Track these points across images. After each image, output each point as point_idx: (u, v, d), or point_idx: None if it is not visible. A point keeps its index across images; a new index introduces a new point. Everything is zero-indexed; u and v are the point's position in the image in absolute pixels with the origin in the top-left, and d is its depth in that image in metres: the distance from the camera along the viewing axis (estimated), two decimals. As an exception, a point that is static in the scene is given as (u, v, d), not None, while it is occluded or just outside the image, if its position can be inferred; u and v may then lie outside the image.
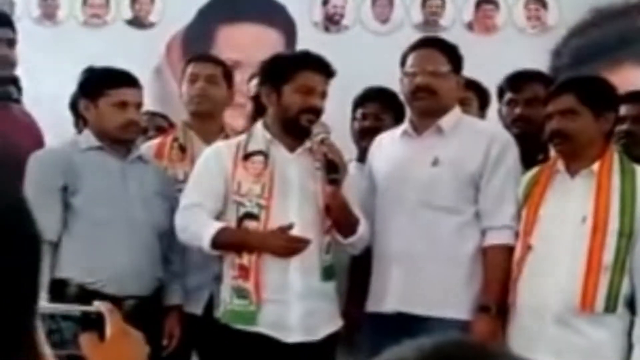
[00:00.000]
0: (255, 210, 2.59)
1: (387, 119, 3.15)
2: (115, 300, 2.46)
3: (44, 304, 1.24)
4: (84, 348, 1.17)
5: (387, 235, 2.73)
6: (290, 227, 2.57)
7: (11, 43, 2.75)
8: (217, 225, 2.60)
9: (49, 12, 4.68)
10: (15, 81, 3.48)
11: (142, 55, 4.25)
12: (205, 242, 2.58)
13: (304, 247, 2.57)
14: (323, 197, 2.62)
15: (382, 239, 2.75)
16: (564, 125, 2.57)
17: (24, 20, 4.44)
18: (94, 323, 1.17)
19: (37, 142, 2.86)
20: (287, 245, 2.57)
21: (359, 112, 3.17)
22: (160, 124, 3.45)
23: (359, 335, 2.85)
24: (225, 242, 2.60)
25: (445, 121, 2.74)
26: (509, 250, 2.65)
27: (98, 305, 1.19)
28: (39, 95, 3.63)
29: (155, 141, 3.07)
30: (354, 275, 2.90)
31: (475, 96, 3.18)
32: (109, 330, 1.17)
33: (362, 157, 3.04)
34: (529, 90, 3.09)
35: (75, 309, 1.21)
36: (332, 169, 2.55)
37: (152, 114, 3.44)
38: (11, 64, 2.76)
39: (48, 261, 2.60)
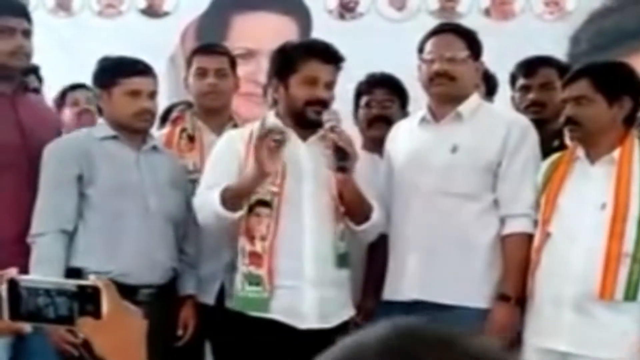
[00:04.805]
0: (267, 197, 2.57)
1: (394, 106, 3.12)
2: (131, 290, 2.51)
3: (39, 278, 1.23)
4: (83, 331, 1.16)
5: (404, 222, 2.71)
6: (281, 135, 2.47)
7: (27, 34, 2.72)
8: (221, 186, 2.55)
9: (63, 3, 4.69)
10: (35, 71, 3.48)
11: (157, 44, 4.25)
12: (217, 205, 2.52)
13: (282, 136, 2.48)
14: (336, 184, 2.60)
15: (399, 227, 2.73)
16: (576, 112, 2.55)
17: (39, 11, 4.45)
18: (90, 298, 1.15)
19: (55, 132, 2.85)
20: (270, 143, 2.44)
21: (364, 99, 3.14)
22: None
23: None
24: (230, 194, 2.52)
25: (464, 107, 2.71)
26: (528, 238, 2.63)
27: (94, 280, 1.17)
28: (55, 86, 3.63)
29: (164, 131, 3.07)
30: (370, 264, 2.89)
31: (482, 83, 3.15)
32: (105, 305, 1.15)
33: (368, 146, 3.01)
34: (542, 75, 3.09)
35: (71, 283, 1.19)
36: (341, 157, 2.53)
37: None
38: (26, 54, 2.74)
39: (64, 250, 2.61)
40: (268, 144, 2.46)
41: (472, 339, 0.62)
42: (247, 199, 2.56)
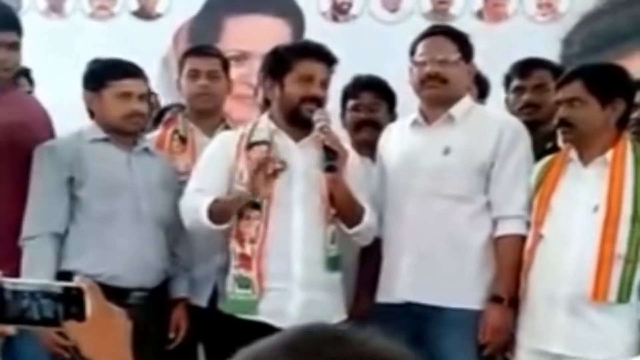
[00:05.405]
0: (257, 199, 2.57)
1: (382, 109, 3.11)
2: (122, 292, 2.50)
3: (24, 280, 1.23)
4: (68, 334, 1.16)
5: (397, 225, 2.71)
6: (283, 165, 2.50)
7: (13, 46, 2.64)
8: (211, 197, 2.57)
9: (55, 5, 4.69)
10: (27, 73, 3.46)
11: (149, 46, 4.25)
12: (203, 216, 2.54)
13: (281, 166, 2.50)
14: (326, 185, 2.60)
15: (392, 229, 2.72)
16: (569, 113, 2.55)
17: (32, 13, 4.44)
18: (74, 300, 1.15)
19: (46, 131, 2.82)
20: (268, 171, 2.47)
21: (351, 103, 3.12)
22: None
23: (370, 326, 2.83)
24: (219, 209, 2.54)
25: (456, 110, 2.71)
26: (521, 240, 2.63)
27: (78, 282, 1.17)
28: (47, 88, 3.62)
29: (156, 133, 3.06)
30: (363, 267, 2.88)
31: (474, 85, 3.15)
32: (89, 307, 1.15)
33: (356, 149, 2.99)
34: (536, 76, 3.11)
35: (56, 285, 1.20)
36: (330, 156, 2.53)
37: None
38: (7, 69, 2.67)
39: (55, 253, 2.60)
40: (267, 171, 2.47)
41: (371, 339, 0.66)
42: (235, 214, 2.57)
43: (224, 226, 2.58)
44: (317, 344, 0.64)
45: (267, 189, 2.51)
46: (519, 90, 3.14)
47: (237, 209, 2.56)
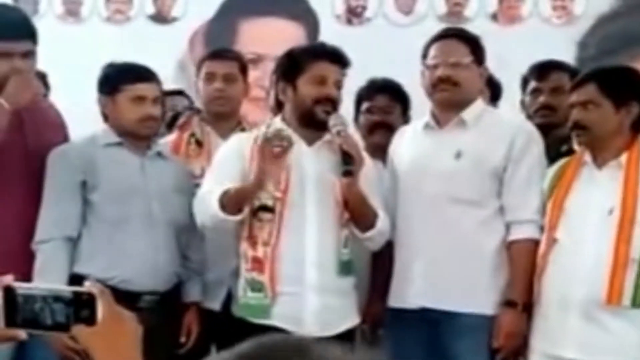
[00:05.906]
0: (270, 203, 2.56)
1: (396, 112, 3.11)
2: (134, 296, 2.51)
3: (35, 285, 1.24)
4: (78, 338, 1.17)
5: (409, 229, 2.70)
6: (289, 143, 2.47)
7: (27, 55, 2.57)
8: (222, 188, 2.54)
9: (72, 9, 4.72)
10: (43, 78, 3.47)
11: (165, 50, 4.27)
12: (215, 207, 2.51)
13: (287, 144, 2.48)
14: (341, 190, 2.60)
15: (404, 233, 2.72)
16: (582, 116, 2.54)
17: (48, 17, 4.48)
18: (85, 304, 1.16)
19: (62, 136, 2.84)
20: (277, 150, 2.45)
21: (365, 105, 3.12)
22: None
23: (382, 331, 2.83)
24: (230, 197, 2.51)
25: (468, 113, 2.70)
26: (534, 244, 2.62)
27: (89, 286, 1.18)
28: (62, 92, 3.64)
29: (171, 137, 3.07)
30: (376, 271, 2.88)
31: (486, 88, 3.15)
32: (100, 312, 1.16)
33: (369, 152, 2.99)
34: (554, 79, 3.09)
35: (66, 289, 1.21)
36: (347, 161, 2.53)
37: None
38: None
39: (68, 257, 2.61)
40: (272, 149, 2.46)
41: (327, 348, 0.67)
42: (248, 204, 2.55)
43: (237, 217, 2.54)
44: (280, 355, 0.65)
45: (275, 169, 2.48)
46: (536, 92, 3.13)
47: (249, 196, 2.53)
